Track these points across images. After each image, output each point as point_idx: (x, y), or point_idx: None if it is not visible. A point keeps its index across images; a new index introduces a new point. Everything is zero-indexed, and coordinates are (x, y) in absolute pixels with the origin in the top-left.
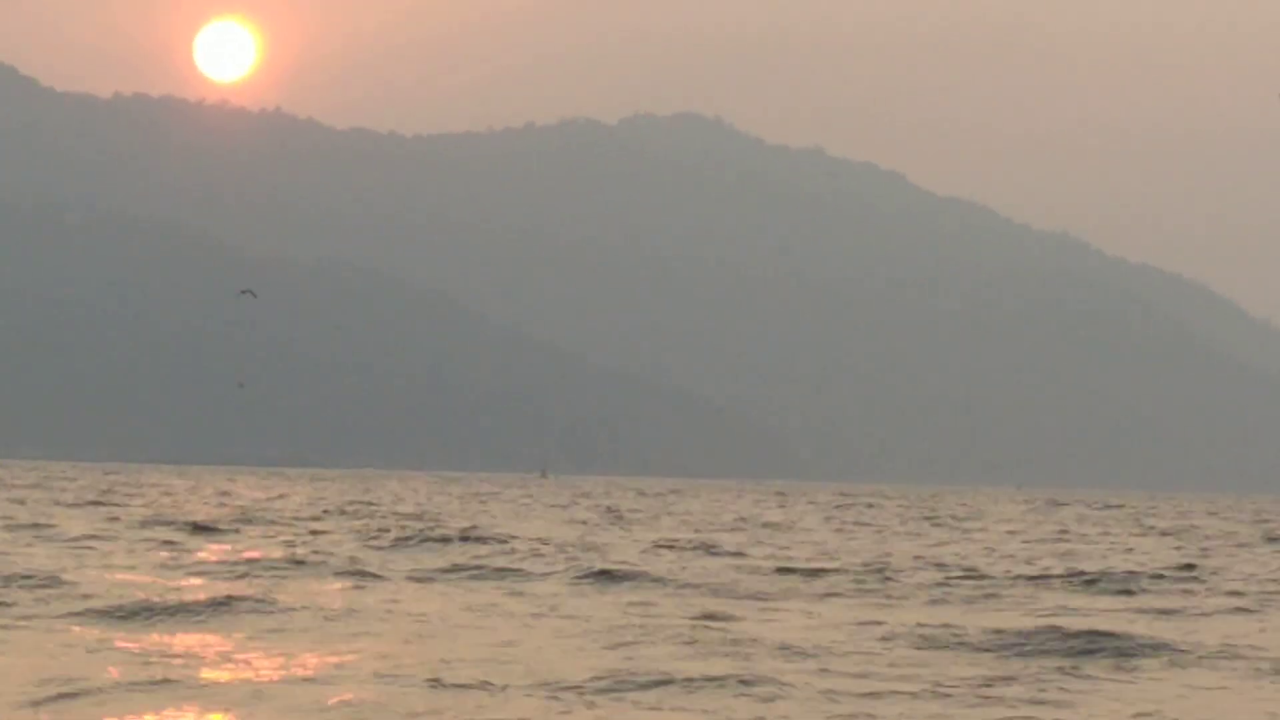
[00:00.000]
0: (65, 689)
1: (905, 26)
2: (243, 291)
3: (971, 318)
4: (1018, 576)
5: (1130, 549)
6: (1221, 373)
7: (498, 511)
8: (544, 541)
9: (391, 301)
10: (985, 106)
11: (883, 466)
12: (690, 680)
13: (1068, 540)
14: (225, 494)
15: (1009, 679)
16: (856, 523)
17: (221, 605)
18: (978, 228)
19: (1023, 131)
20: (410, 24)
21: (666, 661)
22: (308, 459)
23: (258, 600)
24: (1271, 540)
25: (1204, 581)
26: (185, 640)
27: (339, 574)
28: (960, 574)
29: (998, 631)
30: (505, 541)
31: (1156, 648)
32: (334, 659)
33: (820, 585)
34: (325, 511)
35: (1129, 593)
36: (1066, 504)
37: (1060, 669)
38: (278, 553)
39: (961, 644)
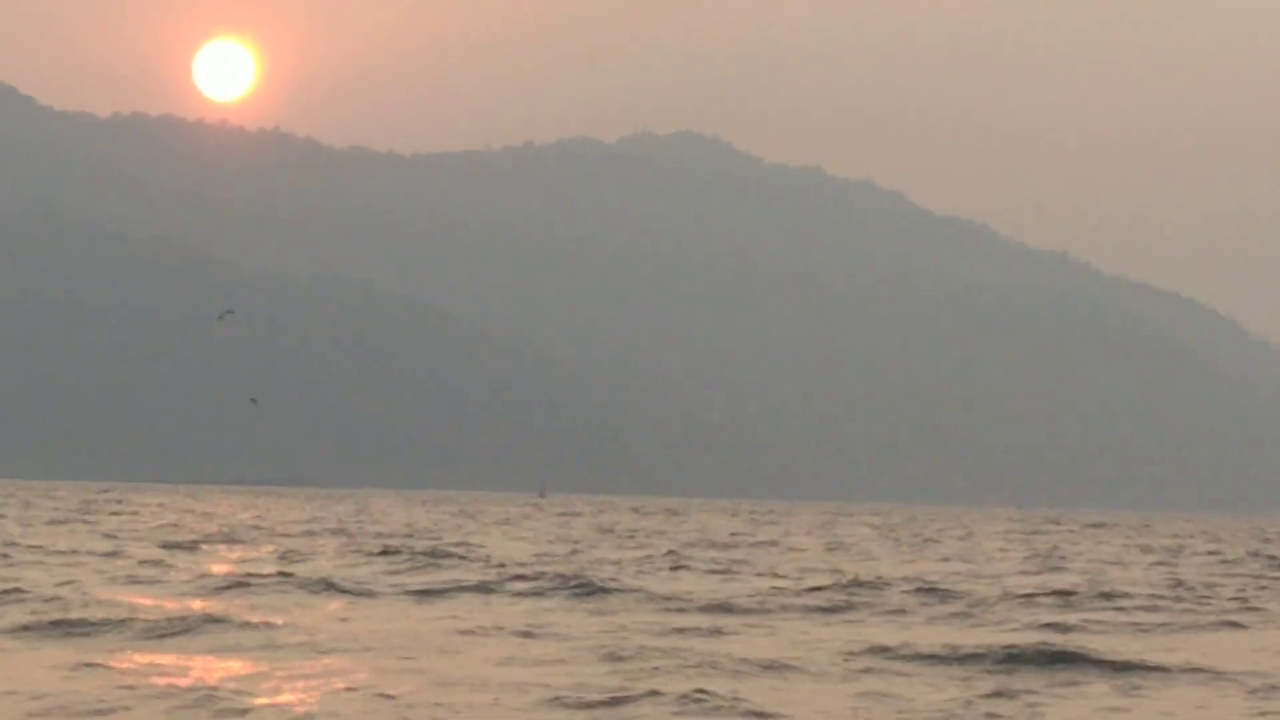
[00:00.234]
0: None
1: (904, 45)
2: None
3: (971, 336)
4: (1001, 594)
5: (1117, 563)
6: (1222, 391)
7: (478, 527)
8: (530, 558)
9: (391, 319)
10: (984, 125)
11: (882, 485)
12: (657, 694)
13: (1053, 558)
14: (209, 513)
15: (974, 699)
16: (837, 542)
17: (181, 622)
18: (977, 246)
19: (1021, 150)
20: (408, 43)
21: (642, 678)
22: (305, 477)
23: (220, 619)
24: (1257, 558)
25: (1182, 600)
26: (137, 658)
27: (310, 591)
28: (939, 591)
29: (958, 648)
30: (479, 560)
31: (1129, 666)
32: (285, 675)
33: (799, 602)
34: (309, 530)
35: (1109, 610)
36: (1060, 522)
37: (1029, 689)
38: (251, 569)
39: (930, 660)
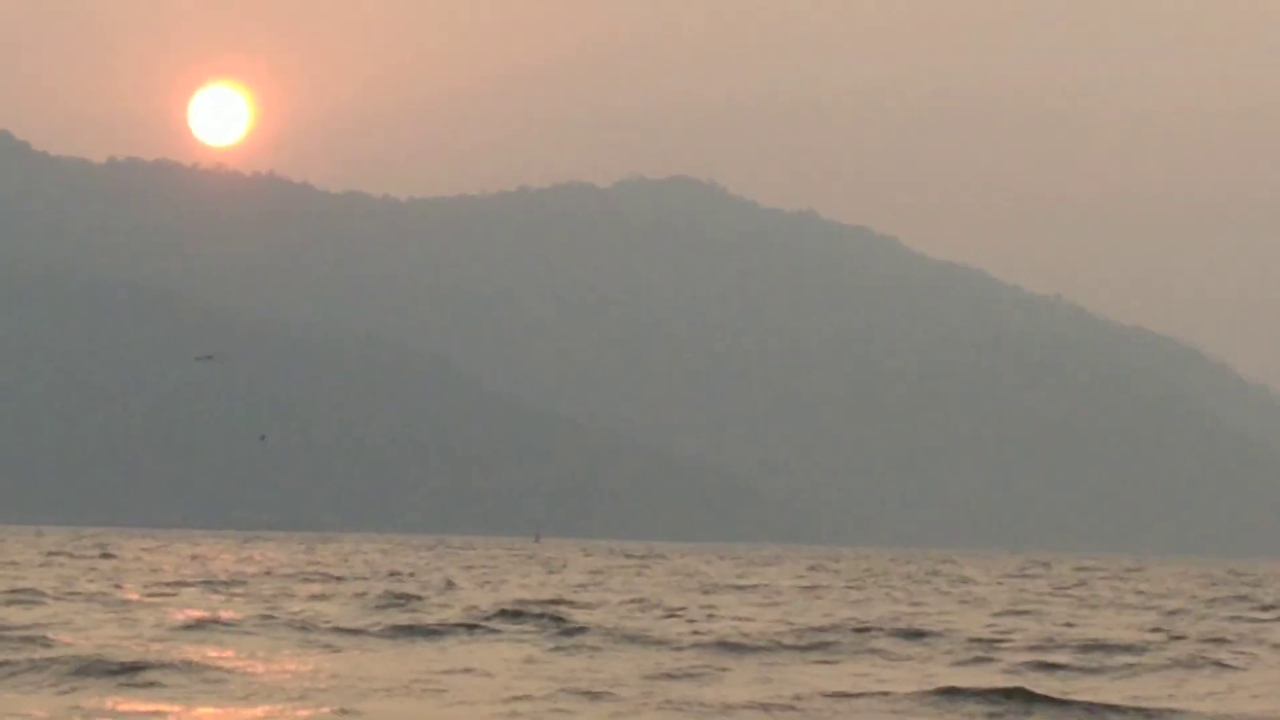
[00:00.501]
0: None
1: (898, 91)
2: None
3: (965, 380)
4: (971, 639)
5: (1095, 608)
6: (1217, 435)
7: (466, 571)
8: (512, 603)
9: (385, 365)
10: (978, 170)
11: (875, 530)
12: None
13: (1035, 602)
14: (198, 556)
15: None
16: (814, 585)
17: (140, 668)
18: (971, 291)
19: (1016, 195)
20: (404, 88)
21: None
22: (301, 523)
23: (180, 665)
24: (1239, 602)
25: (1162, 648)
26: (93, 700)
27: (275, 635)
28: (907, 635)
29: (910, 694)
30: (448, 605)
31: (1099, 709)
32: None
33: (765, 647)
34: (297, 574)
35: (1082, 656)
36: (1050, 566)
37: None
38: (225, 614)
39: (889, 702)
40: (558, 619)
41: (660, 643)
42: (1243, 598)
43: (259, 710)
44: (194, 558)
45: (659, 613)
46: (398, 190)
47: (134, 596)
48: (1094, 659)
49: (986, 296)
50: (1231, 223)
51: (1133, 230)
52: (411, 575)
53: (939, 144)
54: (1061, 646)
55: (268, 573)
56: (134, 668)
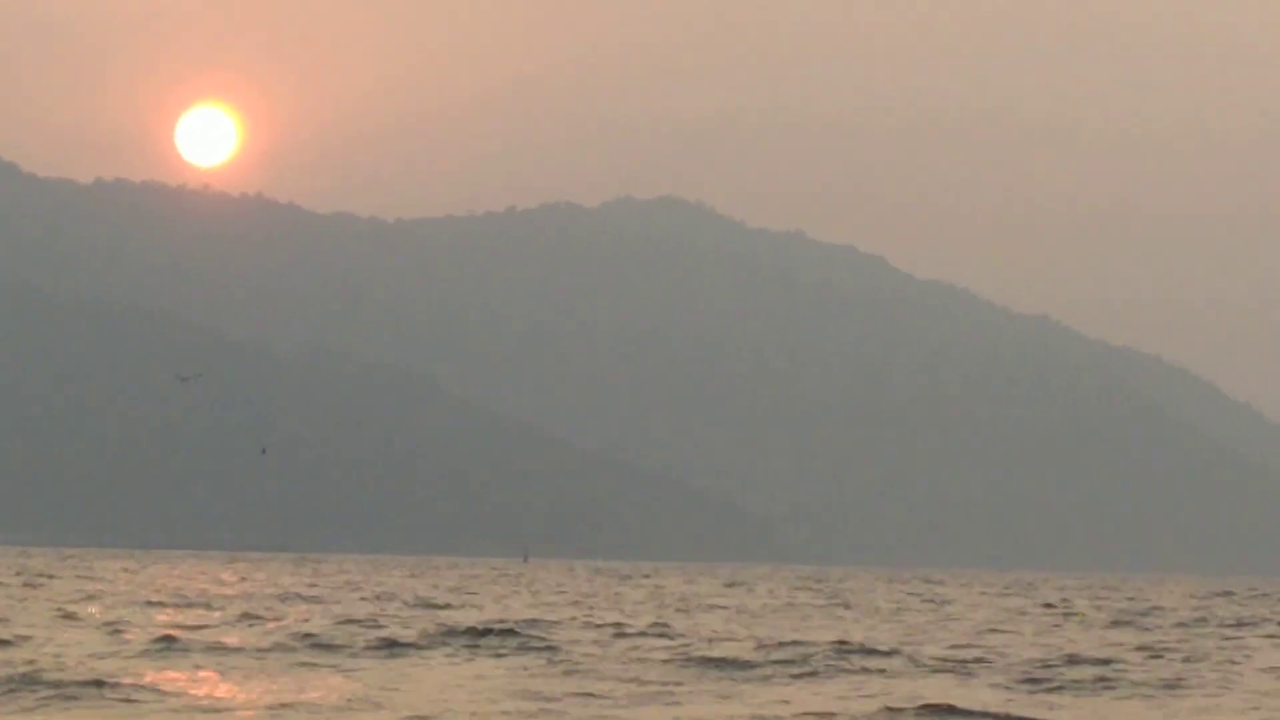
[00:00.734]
0: None
1: (885, 111)
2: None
3: (951, 400)
4: (947, 658)
5: (1059, 626)
6: (1203, 454)
7: (443, 592)
8: (497, 621)
9: (373, 385)
10: (965, 190)
11: (864, 549)
12: None
13: (1016, 620)
14: (180, 577)
15: None
16: (789, 604)
17: (92, 686)
18: (958, 310)
19: (1002, 215)
20: (391, 109)
21: None
22: (288, 544)
23: (131, 686)
24: (1208, 621)
25: (1143, 665)
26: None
27: (230, 657)
28: (877, 654)
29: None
30: (412, 625)
31: None
32: None
33: (731, 666)
34: (277, 595)
35: (1047, 678)
36: (1035, 586)
37: None
38: (187, 635)
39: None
40: (513, 633)
41: (629, 661)
42: (1229, 616)
43: None
44: (173, 578)
45: (631, 631)
46: (385, 211)
47: (100, 614)
48: (1074, 676)
49: (973, 316)
50: (1218, 242)
51: (1119, 249)
52: (392, 596)
53: (926, 164)
54: (1043, 664)
55: (245, 595)
56: (94, 684)
